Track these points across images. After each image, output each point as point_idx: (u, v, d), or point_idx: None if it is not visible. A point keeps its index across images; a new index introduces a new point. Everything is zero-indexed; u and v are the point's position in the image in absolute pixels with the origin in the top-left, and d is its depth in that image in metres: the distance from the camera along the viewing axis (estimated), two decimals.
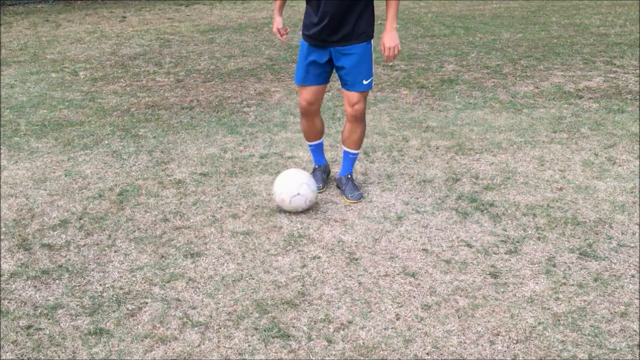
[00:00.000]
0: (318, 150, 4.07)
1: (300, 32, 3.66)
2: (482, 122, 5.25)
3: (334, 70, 3.70)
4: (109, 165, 4.49)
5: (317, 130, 3.93)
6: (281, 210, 3.74)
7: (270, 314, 2.77)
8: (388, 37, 3.52)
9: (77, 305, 2.87)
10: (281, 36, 3.71)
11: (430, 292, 2.91)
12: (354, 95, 3.63)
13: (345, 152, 3.92)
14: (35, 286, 3.03)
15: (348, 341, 2.59)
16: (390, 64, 7.01)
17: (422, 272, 3.08)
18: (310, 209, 3.73)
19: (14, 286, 3.03)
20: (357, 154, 3.92)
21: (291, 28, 10.46)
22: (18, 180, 4.26)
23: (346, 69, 3.57)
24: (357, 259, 3.20)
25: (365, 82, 3.59)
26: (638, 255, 3.18)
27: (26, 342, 2.63)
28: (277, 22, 3.75)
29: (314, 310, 2.79)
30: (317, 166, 4.09)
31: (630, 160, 4.35)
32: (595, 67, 7.05)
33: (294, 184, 3.61)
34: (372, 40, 3.59)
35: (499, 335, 2.61)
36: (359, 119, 3.73)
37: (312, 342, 2.59)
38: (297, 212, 3.67)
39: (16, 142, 5.02)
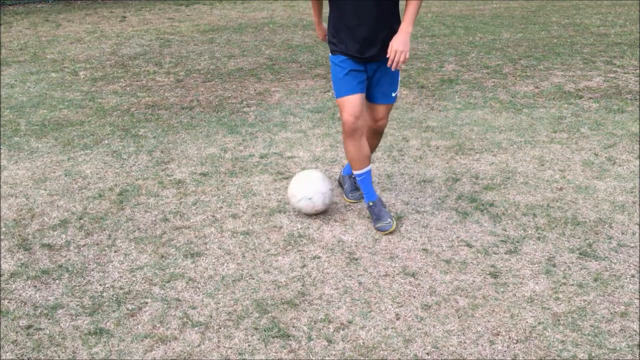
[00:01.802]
0: (369, 180, 3.54)
1: (334, 47, 3.36)
2: (482, 122, 5.25)
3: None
4: (109, 165, 4.49)
5: (365, 153, 3.45)
6: (281, 210, 3.74)
7: (270, 314, 2.77)
8: (398, 40, 3.14)
9: (77, 305, 2.87)
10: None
11: (430, 292, 2.91)
12: (381, 110, 3.48)
13: None
14: (35, 286, 3.03)
15: (348, 341, 2.59)
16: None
17: (422, 272, 3.08)
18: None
19: (14, 286, 3.03)
20: None
21: (291, 28, 10.48)
22: (18, 180, 4.27)
23: (379, 83, 3.40)
24: (357, 259, 3.20)
25: (393, 95, 3.47)
26: (638, 255, 3.18)
27: (26, 342, 2.63)
28: (322, 30, 3.59)
29: (314, 310, 2.79)
30: (371, 202, 3.54)
31: (630, 160, 4.35)
32: (595, 67, 7.05)
33: (311, 189, 3.54)
34: None
35: (499, 335, 2.61)
36: (380, 132, 3.62)
37: (312, 342, 2.59)
38: (299, 213, 3.68)
39: (16, 142, 5.02)
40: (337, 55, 3.34)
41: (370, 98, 3.48)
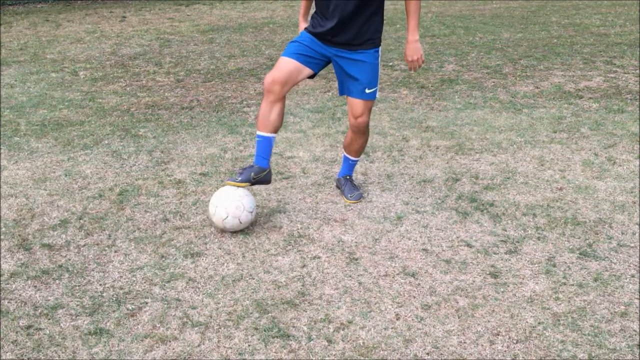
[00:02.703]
0: (264, 146, 3.52)
1: (309, 25, 3.51)
2: (482, 122, 5.25)
3: (336, 76, 3.59)
4: (109, 165, 4.49)
5: (270, 121, 3.44)
6: (281, 210, 3.74)
7: (270, 314, 2.77)
8: (410, 50, 3.42)
9: (77, 305, 2.87)
10: None
11: (430, 292, 2.91)
12: (357, 105, 3.50)
13: (345, 157, 3.88)
14: (35, 286, 3.03)
15: (348, 341, 2.59)
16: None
17: (422, 272, 3.08)
18: (305, 211, 3.74)
19: (14, 286, 3.03)
20: (357, 160, 3.89)
21: (291, 28, 10.47)
22: (18, 180, 4.26)
23: (349, 75, 3.46)
24: (357, 259, 3.20)
25: (367, 91, 3.46)
26: (638, 255, 3.18)
27: (26, 342, 2.63)
28: (302, 28, 3.60)
29: (314, 310, 2.79)
30: (254, 164, 3.55)
31: (630, 160, 4.35)
32: (595, 67, 7.05)
33: (224, 208, 3.39)
34: (379, 48, 3.47)
35: (499, 335, 2.61)
36: (362, 131, 3.63)
37: (312, 342, 2.59)
38: (299, 213, 3.68)
39: (16, 142, 5.02)
40: (305, 32, 3.49)
41: (346, 91, 3.55)
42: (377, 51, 3.46)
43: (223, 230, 3.48)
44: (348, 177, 3.91)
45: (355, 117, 3.56)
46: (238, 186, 3.48)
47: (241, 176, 3.48)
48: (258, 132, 3.50)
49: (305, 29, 3.51)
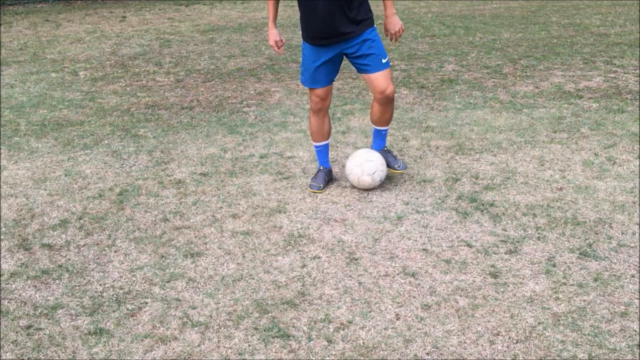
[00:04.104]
0: (324, 152, 4.07)
1: (301, 37, 3.66)
2: (482, 122, 5.25)
3: (350, 63, 3.75)
4: (109, 165, 4.49)
5: (325, 130, 3.97)
6: (281, 210, 3.74)
7: (270, 314, 2.77)
8: (390, 23, 3.63)
9: (77, 305, 2.87)
10: (278, 48, 3.74)
11: (430, 292, 2.91)
12: (380, 78, 3.64)
13: (377, 130, 4.01)
14: (35, 286, 3.03)
15: (348, 341, 2.59)
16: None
17: (422, 272, 3.08)
18: (305, 211, 3.74)
19: (14, 286, 3.03)
20: (387, 129, 4.04)
21: (291, 28, 10.47)
22: (18, 180, 4.27)
23: (362, 54, 3.61)
24: (357, 259, 3.20)
25: (383, 61, 3.64)
26: (638, 255, 3.18)
27: (26, 342, 2.63)
28: (274, 34, 3.72)
29: (314, 310, 2.79)
30: (321, 167, 4.08)
31: (630, 160, 4.35)
32: (595, 67, 7.05)
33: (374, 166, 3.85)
34: (375, 27, 3.66)
35: (499, 335, 2.61)
36: (390, 100, 3.75)
37: (312, 342, 2.59)
38: (299, 213, 3.68)
39: (16, 142, 5.02)
40: (308, 45, 3.67)
41: (364, 71, 3.69)
42: (374, 28, 3.66)
43: (365, 189, 3.90)
44: (386, 149, 4.06)
45: (381, 92, 3.68)
46: (315, 193, 3.95)
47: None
48: (315, 144, 4.04)
49: (303, 38, 3.67)
